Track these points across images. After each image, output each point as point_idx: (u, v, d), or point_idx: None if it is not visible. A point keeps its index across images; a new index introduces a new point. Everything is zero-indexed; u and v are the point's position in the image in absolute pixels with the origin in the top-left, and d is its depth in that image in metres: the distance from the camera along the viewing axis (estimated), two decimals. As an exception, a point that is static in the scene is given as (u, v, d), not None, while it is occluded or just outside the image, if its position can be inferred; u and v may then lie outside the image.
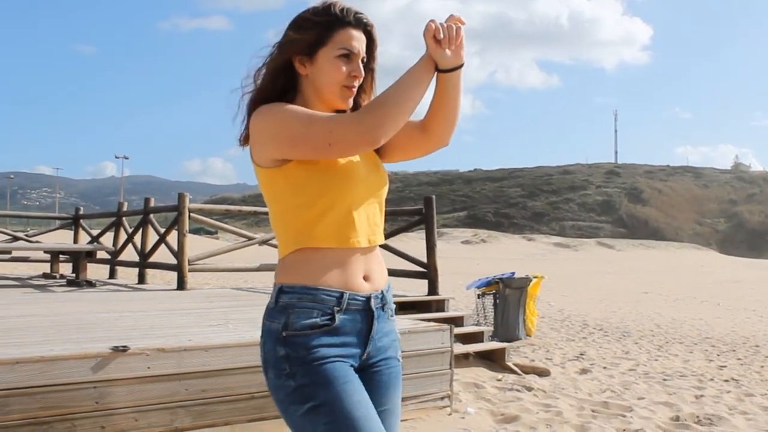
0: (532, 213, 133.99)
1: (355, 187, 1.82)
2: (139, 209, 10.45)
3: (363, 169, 1.86)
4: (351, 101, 1.88)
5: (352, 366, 1.79)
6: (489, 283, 9.83)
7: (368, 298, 1.82)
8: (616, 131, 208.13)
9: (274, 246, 9.68)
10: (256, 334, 4.52)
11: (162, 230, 9.36)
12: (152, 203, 10.07)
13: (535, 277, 10.09)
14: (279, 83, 1.85)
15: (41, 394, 3.73)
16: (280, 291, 1.79)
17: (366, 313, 1.82)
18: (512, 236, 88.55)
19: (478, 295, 9.92)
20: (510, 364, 7.22)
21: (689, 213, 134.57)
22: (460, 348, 6.90)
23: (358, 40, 1.85)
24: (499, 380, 6.63)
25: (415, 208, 8.81)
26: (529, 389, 6.24)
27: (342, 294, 1.78)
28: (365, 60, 1.89)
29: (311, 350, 1.72)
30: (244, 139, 1.89)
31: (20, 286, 9.37)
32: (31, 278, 10.94)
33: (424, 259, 8.33)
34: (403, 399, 4.76)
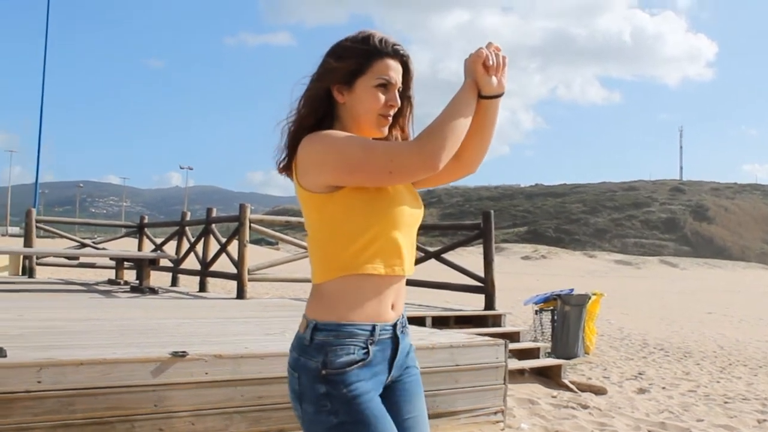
0: (594, 229, 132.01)
1: (402, 215, 1.85)
2: (201, 219, 10.68)
3: (407, 198, 1.90)
4: (386, 130, 1.92)
5: (379, 392, 1.84)
6: (547, 299, 9.75)
7: (395, 325, 1.87)
8: (681, 147, 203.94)
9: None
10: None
11: (223, 240, 9.54)
12: (214, 213, 10.26)
13: (594, 295, 9.97)
14: (319, 111, 1.88)
15: (104, 395, 3.85)
16: (315, 328, 1.81)
17: (393, 340, 1.87)
18: (573, 252, 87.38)
19: (536, 311, 9.85)
20: (566, 381, 7.15)
21: (757, 232, 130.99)
22: (515, 363, 6.86)
23: (395, 70, 1.89)
24: (554, 397, 6.57)
25: (474, 222, 8.81)
26: (585, 407, 6.17)
27: (374, 327, 1.82)
28: (401, 89, 1.93)
29: (351, 387, 1.77)
30: (284, 167, 1.92)
31: (86, 291, 9.65)
32: (96, 284, 11.25)
33: (482, 274, 8.31)
34: (457, 412, 4.80)
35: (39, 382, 3.72)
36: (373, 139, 1.91)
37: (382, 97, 1.87)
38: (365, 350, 1.80)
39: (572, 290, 10.07)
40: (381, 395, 1.85)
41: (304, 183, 1.84)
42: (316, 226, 1.87)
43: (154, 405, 3.96)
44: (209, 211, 10.29)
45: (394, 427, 1.81)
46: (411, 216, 1.90)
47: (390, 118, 1.91)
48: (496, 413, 5.09)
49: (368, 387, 1.79)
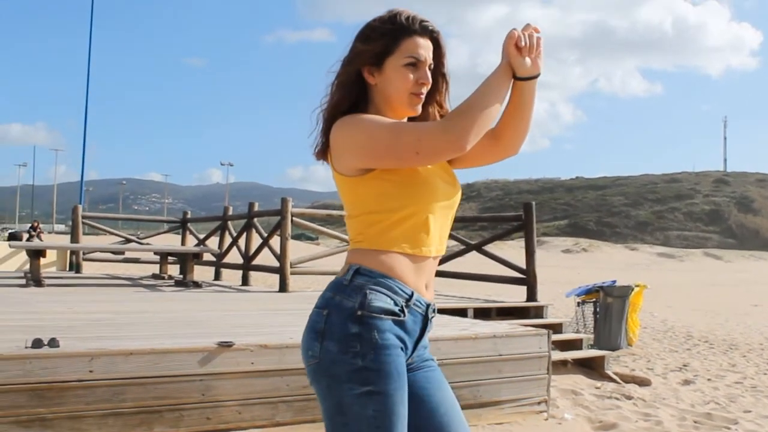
0: (636, 222, 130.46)
1: (434, 198, 1.86)
2: (243, 213, 10.80)
3: (440, 180, 1.90)
4: (419, 108, 1.91)
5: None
6: (589, 291, 9.68)
7: (428, 306, 1.88)
8: (725, 138, 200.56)
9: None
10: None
11: (265, 234, 9.64)
12: (256, 208, 10.37)
13: (637, 286, 9.87)
14: (352, 95, 1.89)
15: (152, 384, 3.94)
16: (356, 272, 1.81)
17: (423, 319, 1.86)
18: (614, 245, 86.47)
19: (578, 303, 9.79)
20: (609, 372, 7.11)
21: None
22: (558, 355, 6.84)
23: (424, 47, 1.88)
24: (598, 388, 6.54)
25: (515, 214, 8.78)
26: (629, 398, 6.13)
27: (412, 293, 1.82)
28: (433, 67, 1.92)
29: (384, 334, 1.76)
30: (320, 152, 1.94)
31: (132, 285, 9.83)
32: (141, 278, 11.44)
33: (523, 266, 8.29)
34: (500, 402, 4.81)
35: (90, 371, 3.81)
36: (408, 118, 1.93)
37: (412, 76, 1.87)
38: (401, 308, 1.80)
39: (615, 282, 9.98)
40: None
41: (338, 166, 1.87)
42: (350, 206, 1.90)
43: (202, 394, 4.04)
44: (251, 205, 10.40)
45: (407, 393, 1.80)
46: (444, 197, 1.90)
47: (422, 97, 1.90)
48: (539, 403, 5.09)
49: (398, 344, 1.79)
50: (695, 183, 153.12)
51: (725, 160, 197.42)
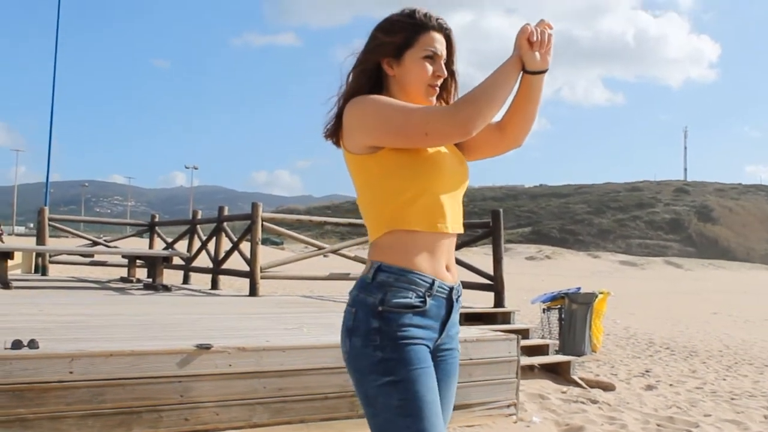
0: (598, 230, 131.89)
1: (443, 176, 1.94)
2: (212, 218, 10.81)
3: (449, 160, 1.98)
4: (434, 99, 2.02)
5: (429, 349, 1.91)
6: (554, 298, 9.86)
7: (451, 289, 1.96)
8: (685, 148, 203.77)
9: (344, 256, 9.91)
10: (330, 338, 4.73)
11: (235, 239, 9.67)
12: (226, 212, 10.40)
13: (601, 293, 10.07)
14: (370, 83, 1.99)
15: (132, 385, 3.99)
16: (378, 269, 1.89)
17: (447, 302, 1.95)
18: (577, 253, 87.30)
19: (544, 309, 9.96)
20: (575, 377, 7.27)
21: (762, 233, 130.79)
22: (525, 360, 6.98)
23: (440, 42, 2.00)
24: (564, 392, 6.69)
25: (482, 221, 8.93)
26: (594, 402, 6.29)
27: (433, 281, 1.91)
28: (446, 61, 2.03)
29: (402, 328, 1.85)
30: (331, 133, 2.02)
31: (101, 288, 9.79)
32: (109, 282, 11.38)
33: (490, 272, 8.43)
34: (471, 405, 4.92)
35: (71, 372, 3.85)
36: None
37: (430, 68, 1.98)
38: (422, 299, 1.88)
39: (579, 289, 10.19)
40: None
41: (348, 145, 1.96)
42: (360, 186, 1.98)
43: (180, 396, 4.10)
44: (221, 209, 10.42)
45: (434, 378, 1.88)
46: (453, 176, 1.99)
47: (437, 88, 2.01)
48: (508, 406, 5.22)
49: (419, 334, 1.87)
50: (656, 192, 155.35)
51: (685, 169, 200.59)
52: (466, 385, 5.03)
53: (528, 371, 7.09)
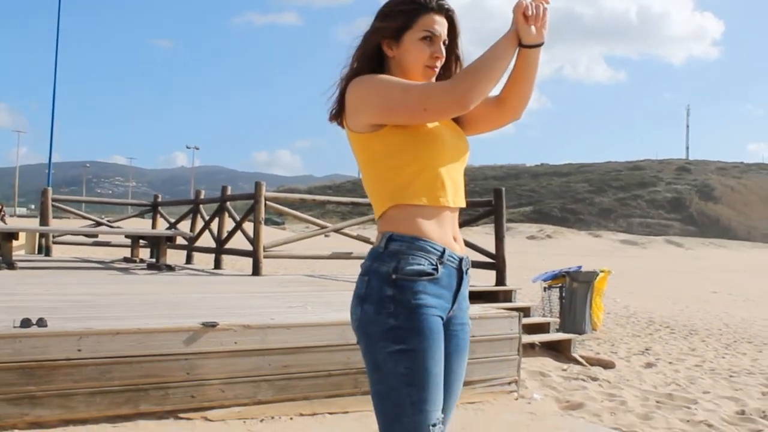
0: (599, 209, 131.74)
1: (443, 151, 1.99)
2: (216, 197, 10.85)
3: (448, 135, 2.03)
4: (433, 80, 2.04)
5: (441, 319, 1.95)
6: (555, 277, 9.92)
7: (461, 259, 2.00)
8: (687, 127, 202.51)
9: (347, 235, 9.96)
10: (333, 316, 4.79)
11: (238, 218, 9.72)
12: (229, 191, 10.44)
13: (601, 272, 10.13)
14: (371, 65, 2.03)
15: (139, 363, 4.06)
16: (390, 239, 1.94)
17: (458, 272, 1.99)
18: (578, 232, 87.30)
19: (545, 288, 10.02)
20: (575, 355, 7.34)
21: (763, 211, 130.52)
22: (526, 338, 7.04)
23: (439, 24, 2.02)
24: (565, 370, 6.76)
25: (485, 199, 8.95)
26: (594, 379, 6.37)
27: (444, 249, 1.95)
28: (447, 43, 2.06)
29: (417, 295, 1.89)
30: (335, 115, 2.07)
31: (105, 268, 9.85)
32: (112, 262, 11.44)
33: (491, 251, 8.48)
34: (472, 382, 4.99)
35: (79, 350, 3.92)
36: None
37: (428, 49, 2.02)
38: (435, 267, 1.92)
39: (580, 267, 10.24)
40: None
41: (351, 124, 2.01)
42: (364, 164, 2.04)
43: (186, 373, 4.16)
44: (224, 189, 10.45)
45: (442, 350, 1.92)
46: (453, 151, 2.04)
47: (436, 69, 2.04)
48: (510, 383, 5.28)
49: (433, 302, 1.91)
50: (658, 171, 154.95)
51: (687, 148, 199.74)
52: (468, 362, 5.09)
53: (529, 349, 7.16)
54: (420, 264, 1.91)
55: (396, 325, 1.88)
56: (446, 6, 2.05)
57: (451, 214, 2.03)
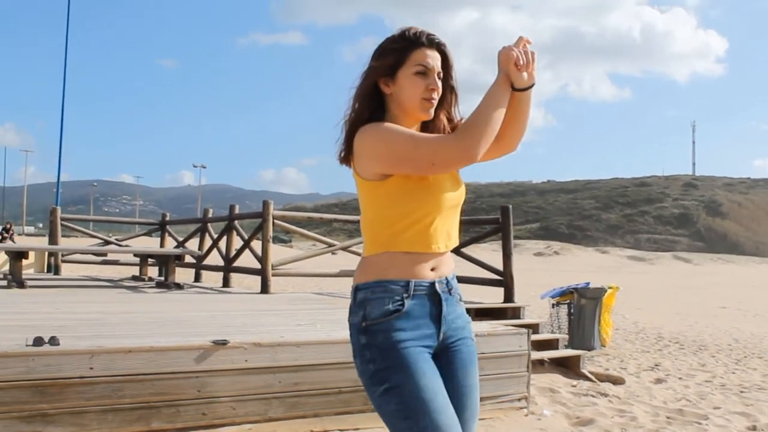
0: (607, 225, 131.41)
1: (442, 201, 2.06)
2: (223, 216, 10.89)
3: (448, 183, 2.10)
4: (432, 112, 2.10)
5: (428, 348, 2.02)
6: (564, 293, 9.90)
7: (432, 284, 2.05)
8: (693, 143, 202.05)
9: (354, 253, 9.98)
10: (343, 333, 4.80)
11: (246, 237, 9.76)
12: (237, 210, 10.48)
13: (610, 288, 10.11)
14: (371, 105, 2.09)
15: (150, 381, 4.08)
16: (356, 289, 2.05)
17: (433, 297, 2.04)
18: (585, 249, 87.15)
19: (553, 304, 10.01)
20: (584, 371, 7.33)
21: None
22: (535, 354, 7.04)
23: (432, 57, 2.08)
24: (574, 386, 6.76)
25: (492, 217, 8.97)
26: (604, 395, 6.36)
27: (408, 282, 2.01)
28: (441, 75, 2.11)
29: (388, 335, 1.97)
30: (344, 158, 2.13)
31: (113, 287, 9.89)
32: (121, 280, 11.48)
33: (499, 268, 8.49)
34: (482, 399, 4.96)
35: (91, 368, 3.94)
36: (421, 123, 2.13)
37: (422, 83, 2.06)
38: (400, 302, 1.99)
39: (588, 283, 10.23)
40: (436, 360, 2.03)
41: (359, 170, 2.07)
42: (366, 207, 2.10)
43: (198, 390, 4.18)
44: (232, 207, 10.50)
45: (429, 375, 1.97)
46: (451, 200, 2.10)
47: (433, 102, 2.09)
48: (519, 399, 5.29)
49: (407, 336, 1.98)
50: (665, 187, 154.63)
51: (694, 164, 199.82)
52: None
53: (538, 365, 7.16)
54: (385, 305, 1.99)
55: (376, 369, 1.96)
56: (437, 40, 2.10)
57: (442, 254, 2.10)
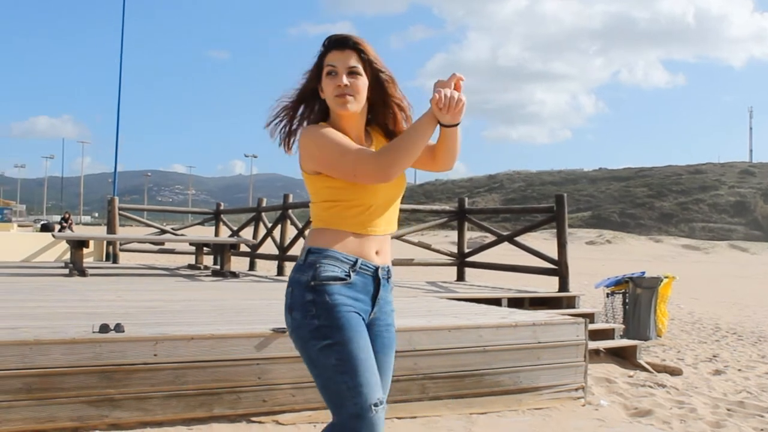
0: (660, 214, 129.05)
1: (377, 195, 2.27)
2: (277, 205, 11.00)
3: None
4: (349, 107, 2.28)
5: (362, 318, 2.23)
6: (618, 282, 9.80)
7: (377, 268, 2.29)
8: (750, 129, 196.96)
9: (407, 241, 10.01)
10: (400, 322, 4.82)
11: (300, 225, 9.85)
12: (290, 199, 10.58)
13: (666, 278, 9.98)
14: (310, 105, 2.36)
15: (212, 368, 4.16)
16: (308, 252, 2.25)
17: (374, 279, 2.28)
18: (638, 237, 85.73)
19: (607, 294, 9.91)
20: (641, 361, 7.25)
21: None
22: (591, 344, 6.98)
23: (339, 58, 2.28)
24: (631, 377, 6.69)
25: (545, 206, 8.90)
26: (662, 386, 6.28)
27: (357, 260, 2.24)
28: (358, 71, 2.28)
29: (332, 297, 2.18)
30: (282, 143, 2.40)
31: (170, 275, 10.07)
32: (177, 269, 11.68)
33: (553, 256, 8.44)
34: (539, 388, 4.99)
35: (155, 355, 4.04)
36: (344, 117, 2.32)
37: (332, 82, 2.27)
38: (347, 273, 2.22)
39: (644, 273, 10.10)
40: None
41: (301, 163, 2.31)
42: (311, 195, 2.34)
43: (258, 378, 4.25)
44: (286, 197, 10.60)
45: (366, 339, 2.20)
46: (389, 192, 2.30)
47: (347, 98, 2.26)
48: (576, 389, 5.26)
49: (348, 302, 2.20)
50: (720, 174, 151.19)
51: (751, 151, 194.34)
52: (535, 369, 5.09)
53: (594, 355, 7.10)
54: (333, 271, 2.20)
55: (320, 325, 2.16)
56: (346, 40, 2.30)
57: (381, 237, 2.32)
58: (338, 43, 2.30)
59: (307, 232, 2.35)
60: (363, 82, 2.29)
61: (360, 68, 2.29)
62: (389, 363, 2.36)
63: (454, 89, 2.12)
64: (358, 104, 2.30)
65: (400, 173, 2.20)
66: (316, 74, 2.32)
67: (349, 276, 2.21)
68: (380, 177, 2.15)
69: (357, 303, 2.22)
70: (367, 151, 2.20)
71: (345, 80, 2.26)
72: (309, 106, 2.37)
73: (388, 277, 2.33)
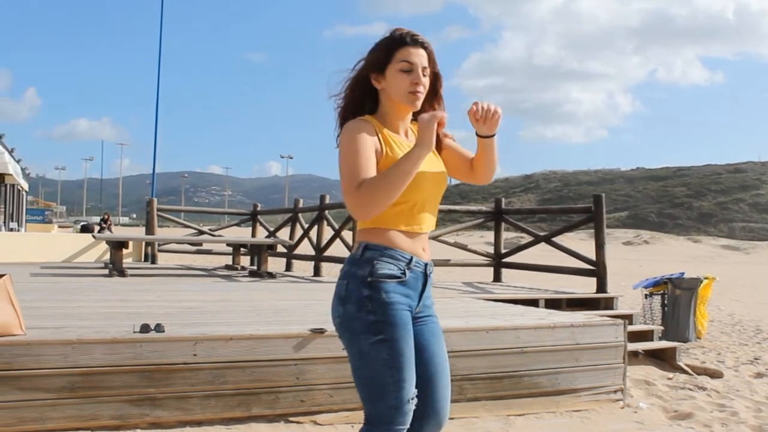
0: (699, 213, 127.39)
1: (423, 190, 2.31)
2: (314, 206, 11.05)
3: (430, 174, 2.33)
4: (418, 104, 2.34)
5: (410, 314, 2.30)
6: (657, 283, 9.68)
7: (426, 265, 2.36)
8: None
9: (444, 242, 9.99)
10: (446, 322, 4.84)
11: (337, 226, 9.88)
12: (327, 200, 10.62)
13: (705, 279, 9.84)
14: (360, 95, 2.37)
15: (250, 368, 4.20)
16: (365, 247, 2.29)
17: (423, 275, 2.35)
18: (677, 237, 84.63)
19: (646, 295, 9.80)
20: (680, 363, 7.16)
21: None
22: (629, 346, 6.92)
23: (415, 55, 2.31)
24: (670, 379, 6.61)
25: (583, 206, 8.83)
26: (702, 389, 6.19)
27: (411, 257, 2.31)
28: (427, 72, 2.33)
29: (389, 294, 2.24)
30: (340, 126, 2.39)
31: (208, 276, 10.17)
32: (215, 269, 11.79)
33: (590, 257, 8.36)
34: (577, 390, 4.95)
35: (195, 355, 4.09)
36: (414, 113, 2.39)
37: (407, 78, 2.30)
38: (403, 271, 2.28)
39: (683, 274, 9.97)
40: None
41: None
42: None
43: (296, 378, 4.28)
44: (322, 198, 10.65)
45: (412, 339, 2.27)
46: (432, 189, 2.35)
47: (419, 94, 2.32)
48: (615, 392, 5.22)
49: (402, 300, 2.27)
50: (761, 173, 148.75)
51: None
52: (573, 370, 5.06)
53: (632, 357, 7.02)
54: (390, 269, 2.26)
55: (375, 320, 2.22)
56: (420, 39, 2.34)
57: (424, 235, 2.38)
58: (414, 40, 2.33)
59: (357, 230, 2.50)
60: (428, 82, 2.36)
61: (428, 68, 2.34)
62: (443, 348, 2.41)
63: (438, 126, 2.23)
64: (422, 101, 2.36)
65: (379, 210, 2.19)
66: (377, 65, 2.33)
67: (405, 274, 2.28)
68: (356, 212, 2.18)
69: (407, 300, 2.28)
70: (356, 183, 2.18)
71: (425, 80, 2.32)
72: (358, 95, 2.38)
73: (431, 272, 2.40)
